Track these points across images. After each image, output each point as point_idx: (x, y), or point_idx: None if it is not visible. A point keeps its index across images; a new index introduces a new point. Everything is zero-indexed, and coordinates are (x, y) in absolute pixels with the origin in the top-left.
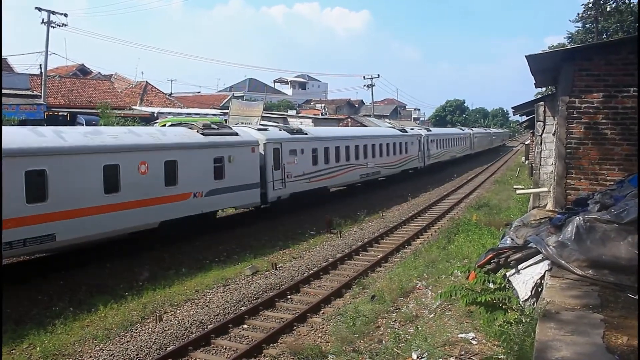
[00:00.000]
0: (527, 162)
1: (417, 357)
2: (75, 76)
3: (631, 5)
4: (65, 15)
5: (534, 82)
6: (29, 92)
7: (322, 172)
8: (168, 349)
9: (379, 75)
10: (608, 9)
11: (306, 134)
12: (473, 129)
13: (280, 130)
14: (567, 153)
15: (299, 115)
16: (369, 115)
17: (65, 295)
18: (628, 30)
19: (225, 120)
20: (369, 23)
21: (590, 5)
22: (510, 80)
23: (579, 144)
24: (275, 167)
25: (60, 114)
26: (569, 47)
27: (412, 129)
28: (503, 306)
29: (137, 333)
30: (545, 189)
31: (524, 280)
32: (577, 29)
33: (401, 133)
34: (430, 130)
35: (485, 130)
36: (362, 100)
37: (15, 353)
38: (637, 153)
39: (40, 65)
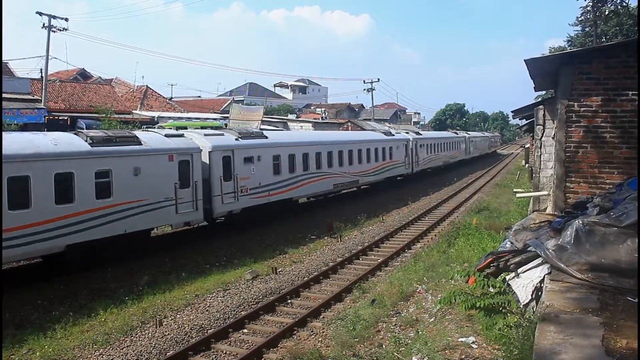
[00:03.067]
0: (527, 165)
1: None
2: (75, 80)
3: (629, 8)
4: (66, 19)
5: (534, 85)
6: (29, 96)
7: None
8: (168, 353)
9: (379, 79)
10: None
11: None
12: (425, 132)
13: None
14: (566, 156)
15: (299, 119)
16: (369, 119)
17: (66, 299)
18: (627, 34)
19: (226, 125)
20: (369, 26)
21: (589, 8)
22: (510, 82)
23: (579, 148)
24: None
25: (60, 118)
26: (568, 50)
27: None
28: (503, 310)
29: (137, 338)
30: (545, 193)
31: (523, 283)
32: (576, 32)
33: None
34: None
35: (457, 134)
36: (362, 104)
37: (15, 358)
38: (636, 156)
39: (41, 69)
